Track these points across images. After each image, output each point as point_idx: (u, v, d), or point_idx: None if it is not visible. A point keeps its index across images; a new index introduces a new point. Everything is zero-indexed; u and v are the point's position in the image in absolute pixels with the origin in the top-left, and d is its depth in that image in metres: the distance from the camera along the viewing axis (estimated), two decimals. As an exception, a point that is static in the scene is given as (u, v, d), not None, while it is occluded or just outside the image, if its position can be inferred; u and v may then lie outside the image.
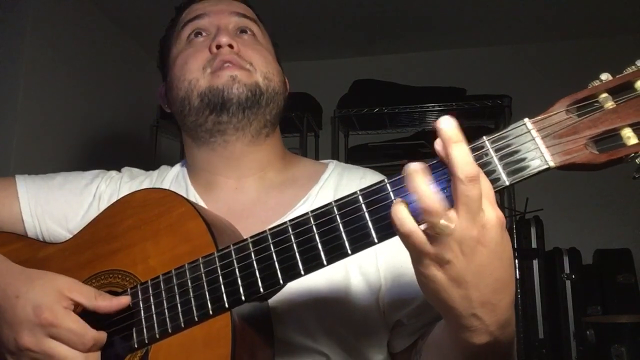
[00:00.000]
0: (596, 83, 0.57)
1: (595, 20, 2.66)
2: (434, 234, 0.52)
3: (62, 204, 0.96)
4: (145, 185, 0.99)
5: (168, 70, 0.96)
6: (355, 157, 2.78)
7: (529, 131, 0.56)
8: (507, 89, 2.68)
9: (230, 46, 0.89)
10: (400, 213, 0.53)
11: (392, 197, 0.59)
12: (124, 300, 0.72)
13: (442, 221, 0.51)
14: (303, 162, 1.03)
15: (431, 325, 0.78)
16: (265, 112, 0.91)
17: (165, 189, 0.82)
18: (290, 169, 0.98)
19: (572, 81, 2.59)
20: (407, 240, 0.54)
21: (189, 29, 0.94)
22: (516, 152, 0.56)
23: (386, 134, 2.95)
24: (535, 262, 2.34)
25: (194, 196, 0.93)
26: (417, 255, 0.55)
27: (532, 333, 2.29)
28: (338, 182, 0.93)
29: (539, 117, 0.57)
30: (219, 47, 0.89)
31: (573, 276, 2.30)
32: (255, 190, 0.93)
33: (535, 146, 0.55)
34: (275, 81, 0.92)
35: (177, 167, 1.03)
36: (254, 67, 0.90)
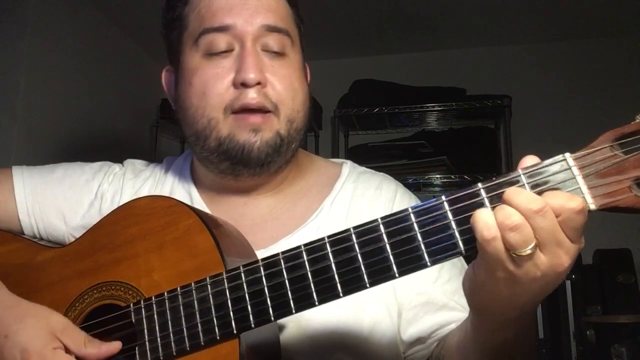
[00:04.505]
0: None
1: (596, 20, 2.65)
2: (515, 254, 0.51)
3: (61, 201, 0.92)
4: (149, 182, 0.95)
5: (178, 71, 0.87)
6: (355, 157, 2.76)
7: (569, 168, 0.53)
8: (507, 89, 2.68)
9: (258, 83, 0.79)
10: (487, 217, 0.52)
11: (416, 229, 0.56)
12: (114, 347, 0.70)
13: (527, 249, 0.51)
14: (315, 164, 0.97)
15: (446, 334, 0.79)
16: (286, 154, 0.84)
17: (172, 198, 0.78)
18: (303, 177, 0.93)
19: (572, 81, 2.60)
20: (490, 245, 0.52)
21: (208, 40, 0.82)
22: (557, 189, 0.52)
23: (386, 134, 2.94)
24: (535, 262, 2.33)
25: (199, 203, 0.89)
26: (495, 261, 0.53)
27: (532, 333, 2.28)
28: (353, 192, 0.89)
29: (581, 153, 0.52)
30: (243, 84, 0.79)
31: (573, 276, 2.29)
32: (267, 206, 0.89)
33: (576, 186, 0.52)
34: (299, 119, 0.84)
35: (180, 163, 0.98)
36: (278, 110, 0.81)
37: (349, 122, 2.86)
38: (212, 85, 0.80)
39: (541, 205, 0.50)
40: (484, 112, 2.71)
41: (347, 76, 2.84)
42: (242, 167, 0.82)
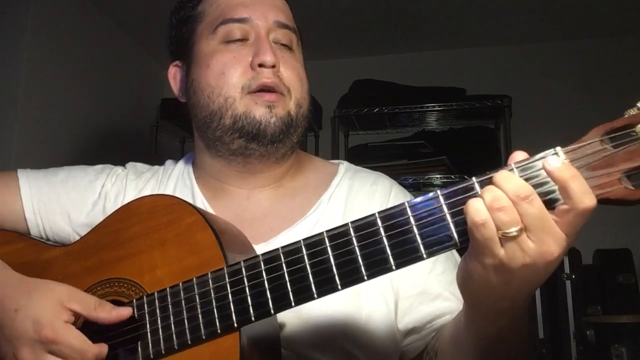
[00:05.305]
0: (633, 112, 0.53)
1: (596, 20, 2.66)
2: (503, 236, 0.53)
3: (66, 202, 0.95)
4: (152, 183, 0.98)
5: (191, 61, 0.93)
6: (355, 157, 2.77)
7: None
8: (507, 89, 2.68)
9: (273, 66, 0.86)
10: (479, 204, 0.53)
11: (412, 222, 0.57)
12: (125, 312, 0.71)
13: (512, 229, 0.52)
14: (314, 163, 1.01)
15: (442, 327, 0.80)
16: (293, 137, 0.89)
17: (174, 196, 0.81)
18: (302, 173, 0.97)
19: (572, 81, 2.60)
20: (479, 230, 0.53)
21: (227, 29, 0.89)
22: (545, 183, 0.53)
23: (386, 134, 2.94)
24: (535, 262, 2.33)
25: (201, 201, 0.92)
26: (484, 246, 0.54)
27: (532, 333, 2.28)
28: (349, 188, 0.92)
29: (572, 147, 0.54)
30: (261, 65, 0.86)
31: (573, 276, 2.29)
32: (267, 200, 0.92)
33: None
34: (305, 105, 0.91)
35: (182, 164, 1.01)
36: (290, 93, 0.88)
37: (348, 122, 2.87)
38: (231, 66, 0.87)
39: (528, 192, 0.52)
40: (484, 112, 2.71)
41: (347, 76, 2.85)
42: (255, 145, 0.86)
